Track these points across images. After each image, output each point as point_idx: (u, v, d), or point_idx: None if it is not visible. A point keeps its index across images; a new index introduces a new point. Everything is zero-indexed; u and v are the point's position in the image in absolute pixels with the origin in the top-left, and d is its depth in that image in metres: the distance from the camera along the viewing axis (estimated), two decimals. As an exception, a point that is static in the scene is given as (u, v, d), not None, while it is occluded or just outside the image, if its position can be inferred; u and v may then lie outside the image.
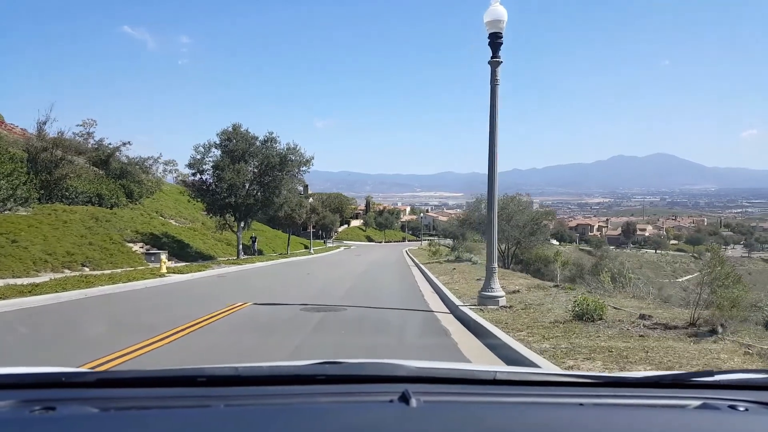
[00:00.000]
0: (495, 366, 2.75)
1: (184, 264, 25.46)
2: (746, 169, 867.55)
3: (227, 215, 30.63)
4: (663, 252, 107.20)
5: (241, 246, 30.85)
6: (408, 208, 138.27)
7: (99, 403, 1.19)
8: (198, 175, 29.68)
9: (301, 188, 31.17)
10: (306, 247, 51.87)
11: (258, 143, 29.93)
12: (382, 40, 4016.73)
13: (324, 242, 68.13)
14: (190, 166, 29.49)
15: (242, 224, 30.79)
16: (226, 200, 29.36)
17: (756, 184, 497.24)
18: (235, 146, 29.01)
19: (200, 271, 20.75)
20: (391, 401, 1.19)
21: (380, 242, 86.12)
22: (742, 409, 1.24)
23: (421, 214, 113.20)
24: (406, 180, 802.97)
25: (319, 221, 65.56)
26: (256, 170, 29.90)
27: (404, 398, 1.18)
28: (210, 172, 29.61)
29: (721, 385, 1.45)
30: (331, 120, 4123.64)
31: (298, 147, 29.74)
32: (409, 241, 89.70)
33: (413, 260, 32.78)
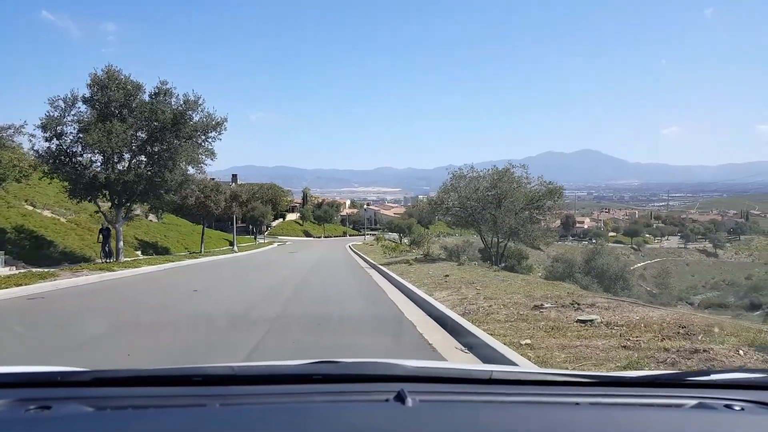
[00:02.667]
0: (491, 365, 2.39)
1: (13, 272, 16.55)
2: (667, 164, 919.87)
3: (100, 199, 21.51)
4: (603, 244, 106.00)
5: (121, 243, 21.70)
6: (348, 202, 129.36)
7: (95, 402, 1.17)
8: (55, 140, 20.30)
9: (211, 162, 22.20)
10: (231, 244, 42.77)
11: (146, 97, 20.92)
12: (318, 33, 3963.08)
13: (254, 238, 58.47)
14: (43, 127, 20.04)
15: (123, 212, 21.64)
16: (99, 177, 20.26)
17: (676, 179, 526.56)
18: (109, 98, 19.91)
19: (15, 285, 11.96)
20: (387, 400, 1.17)
21: (319, 237, 77.44)
22: (738, 408, 1.22)
23: (364, 207, 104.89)
24: (343, 175, 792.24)
25: (247, 213, 56.23)
26: (143, 135, 20.87)
27: (400, 397, 1.15)
28: (73, 135, 20.33)
29: (717, 385, 1.42)
30: (266, 113, 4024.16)
31: (201, 100, 20.85)
32: (350, 236, 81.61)
33: (365, 260, 24.96)
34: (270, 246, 50.96)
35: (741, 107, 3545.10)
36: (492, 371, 1.46)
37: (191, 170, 22.00)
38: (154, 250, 33.46)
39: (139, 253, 31.99)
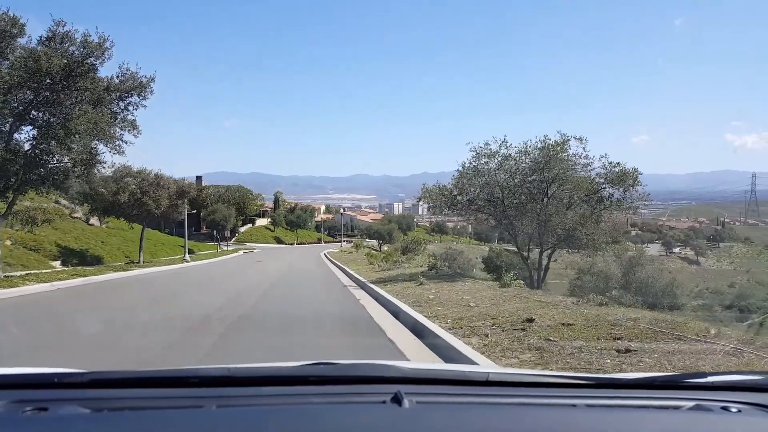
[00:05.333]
0: (487, 367, 2.38)
1: None
2: (638, 173, 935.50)
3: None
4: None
5: (-2, 252, 15.14)
6: (323, 207, 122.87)
7: (91, 404, 1.15)
8: None
9: (134, 138, 15.75)
10: (190, 251, 36.06)
11: (34, 42, 14.48)
12: (293, 40, 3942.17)
13: (216, 244, 51.53)
14: None
15: (4, 206, 15.07)
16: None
17: (647, 188, 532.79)
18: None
19: None
20: (383, 402, 1.16)
21: (291, 244, 70.85)
22: (734, 410, 1.21)
23: (340, 213, 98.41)
24: (319, 182, 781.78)
25: (207, 216, 49.56)
26: (29, 95, 14.41)
27: (397, 399, 1.15)
28: None
29: (713, 387, 1.40)
30: (241, 119, 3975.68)
31: (108, 43, 14.20)
32: (325, 242, 75.29)
33: (348, 273, 18.91)
34: (234, 254, 44.33)
35: (709, 116, 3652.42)
36: (488, 373, 1.44)
37: (102, 147, 15.46)
38: (80, 259, 26.75)
39: (57, 264, 25.27)
